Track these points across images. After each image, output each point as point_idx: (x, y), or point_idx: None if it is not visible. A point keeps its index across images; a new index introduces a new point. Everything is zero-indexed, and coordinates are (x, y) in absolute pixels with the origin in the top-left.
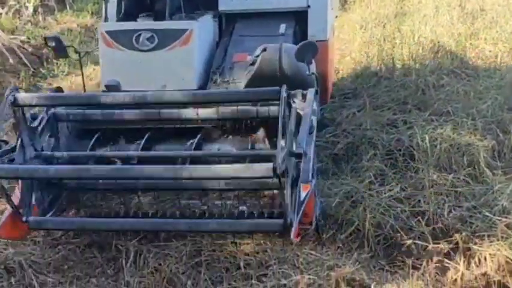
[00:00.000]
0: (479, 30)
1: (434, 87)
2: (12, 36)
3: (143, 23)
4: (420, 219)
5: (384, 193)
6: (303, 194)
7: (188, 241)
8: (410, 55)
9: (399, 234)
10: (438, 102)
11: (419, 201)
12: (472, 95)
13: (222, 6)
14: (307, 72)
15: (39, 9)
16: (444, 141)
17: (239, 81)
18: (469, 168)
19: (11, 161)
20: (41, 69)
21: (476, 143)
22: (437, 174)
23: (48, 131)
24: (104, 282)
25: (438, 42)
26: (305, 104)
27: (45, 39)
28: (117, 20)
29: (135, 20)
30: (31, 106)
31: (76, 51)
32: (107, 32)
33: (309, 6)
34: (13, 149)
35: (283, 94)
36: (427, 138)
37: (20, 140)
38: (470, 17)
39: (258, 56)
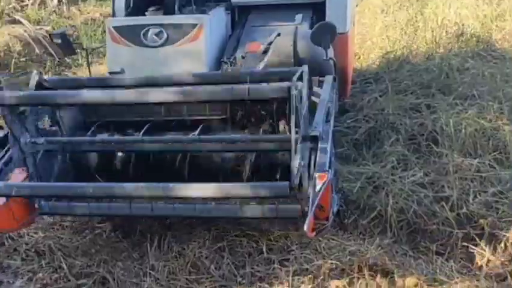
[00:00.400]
0: (506, 11)
1: (458, 71)
2: (38, 27)
3: (152, 18)
4: (444, 205)
5: (407, 178)
6: (318, 184)
7: (212, 226)
8: (433, 38)
9: (422, 219)
10: (463, 86)
11: (443, 186)
12: (498, 78)
13: None
14: (324, 57)
15: (64, 0)
16: (469, 125)
17: None
18: (495, 153)
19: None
20: (66, 59)
21: (502, 127)
22: (462, 159)
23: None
24: (130, 265)
25: (463, 24)
26: (322, 91)
27: (50, 36)
28: (125, 15)
29: (144, 15)
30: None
31: (83, 48)
32: (114, 27)
33: None
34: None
35: (305, 76)
36: (451, 122)
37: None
38: None
39: (271, 43)
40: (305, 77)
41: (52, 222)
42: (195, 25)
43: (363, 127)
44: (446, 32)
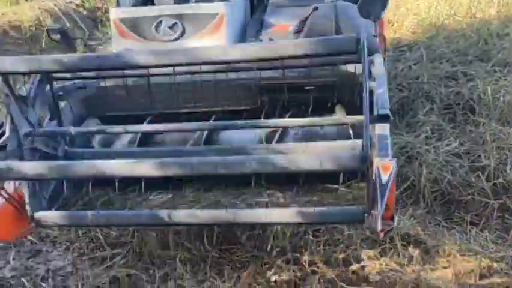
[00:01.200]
0: None
1: (498, 36)
2: (68, 0)
3: (164, 8)
4: (480, 175)
5: (442, 148)
6: (384, 176)
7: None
8: (471, 2)
9: (457, 189)
10: (502, 52)
11: (479, 156)
12: None
13: None
14: (373, 33)
15: None
16: (508, 93)
17: None
18: None
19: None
20: (96, 32)
21: None
22: (500, 127)
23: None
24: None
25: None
26: (375, 69)
27: (48, 31)
28: (132, 5)
29: (153, 4)
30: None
31: (85, 44)
32: (120, 19)
33: None
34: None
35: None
36: (489, 90)
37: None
38: None
39: (305, 20)
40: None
41: None
42: (215, 15)
43: (396, 96)
44: None
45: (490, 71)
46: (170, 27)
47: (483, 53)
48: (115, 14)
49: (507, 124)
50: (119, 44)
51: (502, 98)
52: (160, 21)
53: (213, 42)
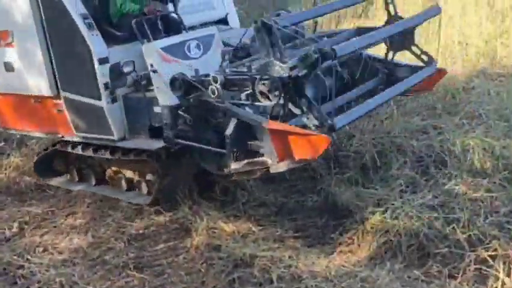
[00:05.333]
0: (510, 28)
1: (464, 90)
2: None
3: (187, 34)
4: (456, 227)
5: (416, 201)
6: None
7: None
8: (436, 58)
9: (433, 242)
10: (469, 106)
11: (453, 208)
12: (505, 96)
13: None
14: None
15: None
16: (477, 145)
17: None
18: (505, 172)
19: None
20: None
21: (510, 146)
22: (471, 179)
23: None
24: None
25: (466, 43)
26: None
27: None
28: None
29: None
30: None
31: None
32: (162, 48)
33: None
34: None
35: None
36: (458, 143)
37: None
38: (500, 15)
39: None
40: None
41: (63, 259)
42: (213, 35)
43: (369, 151)
44: (450, 51)
45: (458, 123)
46: (196, 47)
47: (451, 107)
48: (156, 46)
49: (478, 175)
50: (165, 69)
51: (471, 150)
52: (189, 45)
53: (218, 53)
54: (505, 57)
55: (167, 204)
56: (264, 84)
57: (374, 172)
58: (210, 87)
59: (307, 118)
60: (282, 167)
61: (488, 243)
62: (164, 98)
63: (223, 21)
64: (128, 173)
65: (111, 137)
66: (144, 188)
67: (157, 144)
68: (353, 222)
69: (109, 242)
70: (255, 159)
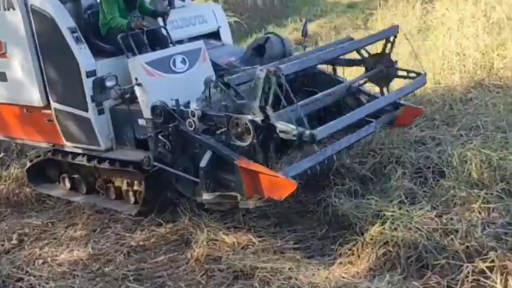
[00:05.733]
0: (507, 40)
1: (461, 101)
2: None
3: (172, 49)
4: (454, 238)
5: (415, 212)
6: None
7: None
8: (435, 70)
9: (432, 253)
10: (466, 117)
11: (452, 219)
12: (502, 108)
13: None
14: None
15: None
16: (475, 156)
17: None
18: (502, 183)
19: None
20: None
21: (508, 157)
22: (469, 190)
23: None
24: None
25: (464, 55)
26: None
27: None
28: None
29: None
30: None
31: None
32: (146, 63)
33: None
34: None
35: None
36: (456, 154)
37: None
38: (496, 27)
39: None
40: None
41: (63, 272)
42: (200, 49)
43: (369, 162)
44: (448, 62)
45: (456, 135)
46: (181, 62)
47: (449, 118)
48: (140, 60)
49: (476, 186)
50: (148, 83)
51: (469, 162)
52: (174, 59)
53: (205, 67)
54: (501, 68)
55: (168, 215)
56: (237, 125)
57: (373, 183)
58: (188, 120)
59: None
60: (250, 204)
61: (486, 254)
62: (148, 110)
63: (215, 34)
64: (117, 183)
65: (98, 148)
66: (131, 198)
67: (142, 155)
68: (353, 234)
69: (108, 254)
70: (226, 193)
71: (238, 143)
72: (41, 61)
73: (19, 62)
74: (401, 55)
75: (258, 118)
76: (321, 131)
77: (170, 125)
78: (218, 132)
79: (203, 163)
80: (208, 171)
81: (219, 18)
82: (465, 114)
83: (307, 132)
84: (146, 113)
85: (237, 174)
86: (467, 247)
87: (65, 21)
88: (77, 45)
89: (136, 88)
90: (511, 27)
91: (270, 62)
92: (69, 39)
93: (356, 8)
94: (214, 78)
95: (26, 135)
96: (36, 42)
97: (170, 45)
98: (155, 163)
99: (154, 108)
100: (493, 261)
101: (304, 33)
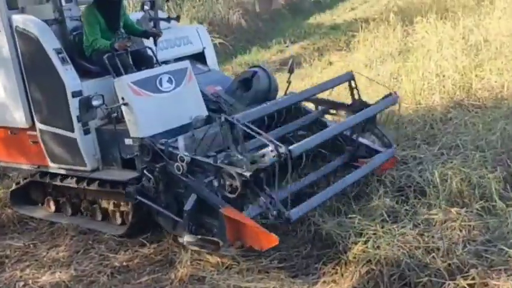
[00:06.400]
0: (484, 61)
1: (441, 121)
2: None
3: (158, 69)
4: (435, 256)
5: (397, 230)
6: None
7: None
8: (415, 91)
9: (414, 271)
10: (446, 136)
11: (433, 237)
12: (481, 127)
13: None
14: None
15: None
16: (455, 175)
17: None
18: (482, 201)
19: None
20: None
21: (487, 175)
22: (450, 209)
23: None
24: None
25: (443, 76)
26: None
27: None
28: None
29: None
30: None
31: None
32: (133, 82)
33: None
34: None
35: None
36: (437, 173)
37: None
38: (474, 49)
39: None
40: None
41: None
42: (186, 68)
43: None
44: (428, 83)
45: (437, 154)
46: (168, 81)
47: (430, 137)
48: (126, 80)
49: (456, 205)
50: (136, 102)
51: (449, 180)
52: (161, 78)
53: (192, 86)
54: (480, 89)
55: (152, 235)
56: (225, 178)
57: (356, 202)
58: (177, 164)
59: (267, 208)
60: (231, 251)
61: (467, 272)
62: (135, 130)
63: (200, 55)
64: (104, 203)
65: (84, 168)
66: (118, 219)
67: (129, 175)
68: (336, 252)
69: (92, 275)
70: (208, 237)
71: (227, 194)
72: (26, 82)
73: (3, 83)
74: (381, 76)
75: (247, 173)
76: (296, 213)
77: (158, 166)
78: (206, 180)
79: (188, 206)
80: (192, 214)
81: (203, 39)
82: (445, 134)
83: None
84: (133, 132)
85: (220, 221)
86: (449, 265)
87: (50, 43)
88: (63, 66)
89: (123, 108)
90: (488, 49)
91: (255, 96)
92: (55, 60)
93: (338, 30)
94: (202, 118)
95: (9, 157)
96: (21, 63)
97: (156, 65)
98: (138, 196)
99: (142, 147)
100: (473, 278)
101: (291, 70)
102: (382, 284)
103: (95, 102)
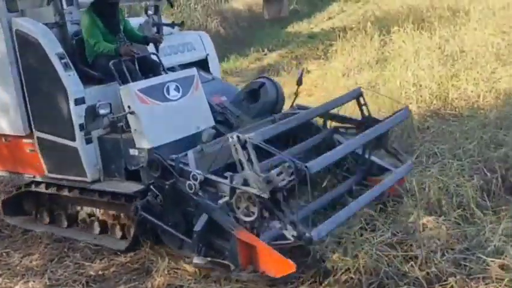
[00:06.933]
0: (460, 71)
1: (419, 130)
2: None
3: (166, 76)
4: (414, 264)
5: (376, 239)
6: None
7: None
8: (392, 100)
9: (393, 280)
10: (424, 145)
11: (411, 245)
12: (458, 136)
13: None
14: None
15: None
16: (433, 183)
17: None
18: (459, 210)
19: None
20: None
21: (464, 184)
22: (428, 217)
23: None
24: None
25: (420, 85)
26: None
27: None
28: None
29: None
30: None
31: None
32: (139, 90)
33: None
34: None
35: None
36: (415, 181)
37: None
38: (451, 59)
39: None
40: None
41: None
42: (193, 76)
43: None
44: (405, 93)
45: (415, 162)
46: (175, 89)
47: (408, 146)
48: (133, 88)
49: (434, 213)
50: (142, 111)
51: (427, 189)
52: (168, 86)
53: (199, 95)
54: (456, 98)
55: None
56: (241, 199)
57: (334, 211)
58: (189, 182)
59: (286, 229)
60: (243, 276)
61: (445, 280)
62: (141, 140)
63: (203, 62)
64: (102, 216)
65: (85, 179)
66: (118, 232)
67: (134, 187)
68: (315, 261)
69: (66, 285)
70: (219, 260)
71: (242, 217)
72: (25, 88)
73: (0, 88)
74: (359, 84)
75: (265, 194)
76: (319, 233)
77: (168, 183)
78: (221, 202)
79: (198, 226)
80: (202, 235)
81: (206, 45)
82: (423, 142)
83: (305, 235)
84: (139, 143)
85: (233, 244)
86: (428, 273)
87: (53, 47)
88: (65, 71)
89: (129, 116)
90: (464, 59)
91: (262, 108)
92: (57, 65)
93: (316, 38)
94: (213, 133)
95: (2, 166)
96: (20, 68)
97: (163, 72)
98: (143, 213)
99: (151, 162)
100: (452, 287)
101: (299, 82)
102: None
103: (102, 111)
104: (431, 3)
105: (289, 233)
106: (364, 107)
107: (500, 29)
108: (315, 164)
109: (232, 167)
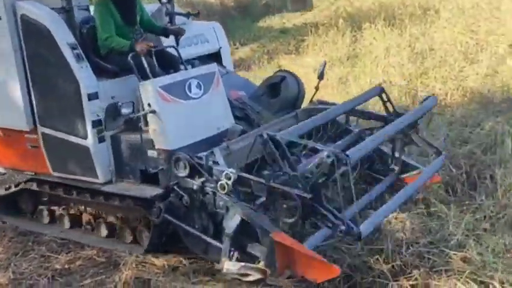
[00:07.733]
0: (429, 69)
1: None
2: None
3: (187, 72)
4: (379, 257)
5: None
6: None
7: None
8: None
9: (359, 273)
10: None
11: (378, 239)
12: (425, 134)
13: None
14: None
15: None
16: None
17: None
18: (424, 205)
19: None
20: None
21: None
22: (393, 212)
23: None
24: None
25: (390, 82)
26: None
27: None
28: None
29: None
30: None
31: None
32: (161, 87)
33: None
34: None
35: None
36: None
37: None
38: (420, 57)
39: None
40: None
41: None
42: (214, 73)
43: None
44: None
45: None
46: (197, 86)
47: None
48: (154, 84)
49: (400, 208)
50: (165, 109)
51: None
52: (190, 83)
53: (220, 93)
54: (424, 96)
55: None
56: (279, 199)
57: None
58: (221, 182)
59: (331, 227)
60: (280, 281)
61: (409, 273)
62: (162, 141)
63: (216, 54)
64: (110, 218)
65: (95, 180)
66: (128, 236)
67: (151, 191)
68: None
69: (31, 278)
70: (253, 265)
71: (282, 219)
72: (30, 79)
73: (1, 78)
74: (331, 80)
75: (307, 194)
76: (367, 228)
77: (196, 182)
78: (258, 202)
79: (230, 229)
80: (234, 238)
81: (220, 38)
82: None
83: (354, 231)
84: (159, 143)
85: (269, 248)
86: (393, 266)
87: (64, 36)
88: (77, 63)
89: (149, 115)
90: (433, 57)
91: (284, 104)
92: (69, 56)
93: (288, 33)
94: (239, 129)
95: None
96: (25, 57)
97: (181, 66)
98: (166, 215)
99: (176, 160)
100: (416, 279)
101: (321, 76)
102: (328, 284)
103: (124, 110)
104: (402, 0)
105: (338, 229)
106: (388, 104)
107: (469, 28)
108: (356, 152)
109: (251, 166)
